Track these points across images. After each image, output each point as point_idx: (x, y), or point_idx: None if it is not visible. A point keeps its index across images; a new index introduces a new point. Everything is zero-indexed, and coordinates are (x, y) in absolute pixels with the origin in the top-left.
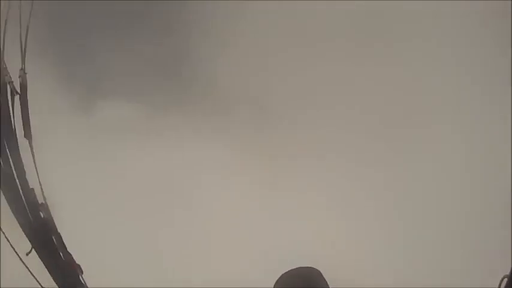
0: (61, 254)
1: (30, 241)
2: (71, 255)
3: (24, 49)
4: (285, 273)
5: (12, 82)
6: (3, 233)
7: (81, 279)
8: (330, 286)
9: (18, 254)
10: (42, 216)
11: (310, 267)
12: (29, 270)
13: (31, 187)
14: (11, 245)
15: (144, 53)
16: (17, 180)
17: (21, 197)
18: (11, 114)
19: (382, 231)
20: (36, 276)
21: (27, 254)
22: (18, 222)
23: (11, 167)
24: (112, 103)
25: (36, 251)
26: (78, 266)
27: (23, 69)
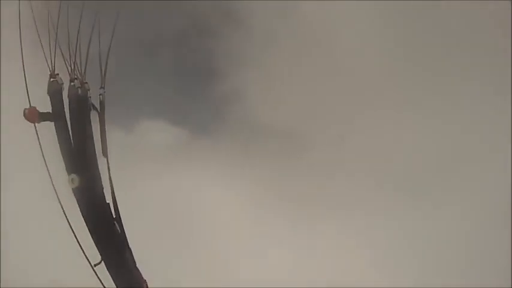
0: (130, 269)
1: (101, 254)
2: (139, 270)
3: (105, 69)
4: None
5: (90, 98)
6: (79, 243)
7: None
8: None
9: (91, 264)
10: (117, 230)
11: None
12: (100, 280)
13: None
14: (85, 255)
15: (188, 85)
16: (94, 195)
17: (98, 211)
18: (90, 130)
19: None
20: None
21: (95, 265)
22: (92, 235)
23: (90, 182)
24: (157, 125)
25: (106, 264)
26: (145, 281)
27: (103, 88)
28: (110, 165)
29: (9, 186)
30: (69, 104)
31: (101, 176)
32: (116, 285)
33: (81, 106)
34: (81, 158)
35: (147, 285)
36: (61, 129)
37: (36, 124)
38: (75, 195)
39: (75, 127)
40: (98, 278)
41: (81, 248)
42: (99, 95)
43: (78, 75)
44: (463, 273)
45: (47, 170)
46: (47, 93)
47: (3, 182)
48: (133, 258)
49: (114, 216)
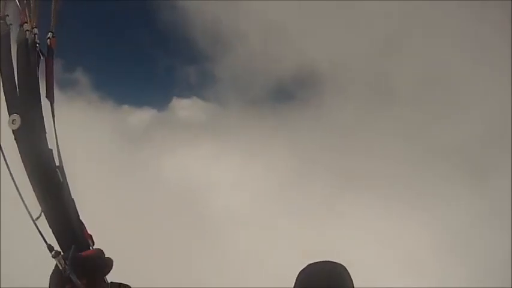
0: (72, 220)
1: (41, 204)
2: (83, 223)
3: (56, 11)
4: (310, 265)
5: (39, 44)
6: (21, 196)
7: None
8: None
9: (32, 217)
10: (58, 178)
11: (335, 262)
12: (40, 231)
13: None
14: (26, 207)
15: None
16: (36, 138)
17: (39, 156)
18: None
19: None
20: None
21: (36, 219)
22: (32, 183)
23: (32, 122)
24: (187, 102)
25: (46, 216)
26: (90, 236)
27: (52, 32)
28: (54, 110)
29: None
30: (17, 49)
31: (44, 121)
32: (56, 238)
33: (30, 51)
34: (24, 98)
35: (92, 240)
36: (6, 69)
37: None
38: (15, 138)
39: (22, 71)
40: (40, 232)
41: (24, 202)
42: (47, 38)
43: (29, 18)
44: None
45: None
46: None
47: None
48: (76, 210)
49: (58, 165)
